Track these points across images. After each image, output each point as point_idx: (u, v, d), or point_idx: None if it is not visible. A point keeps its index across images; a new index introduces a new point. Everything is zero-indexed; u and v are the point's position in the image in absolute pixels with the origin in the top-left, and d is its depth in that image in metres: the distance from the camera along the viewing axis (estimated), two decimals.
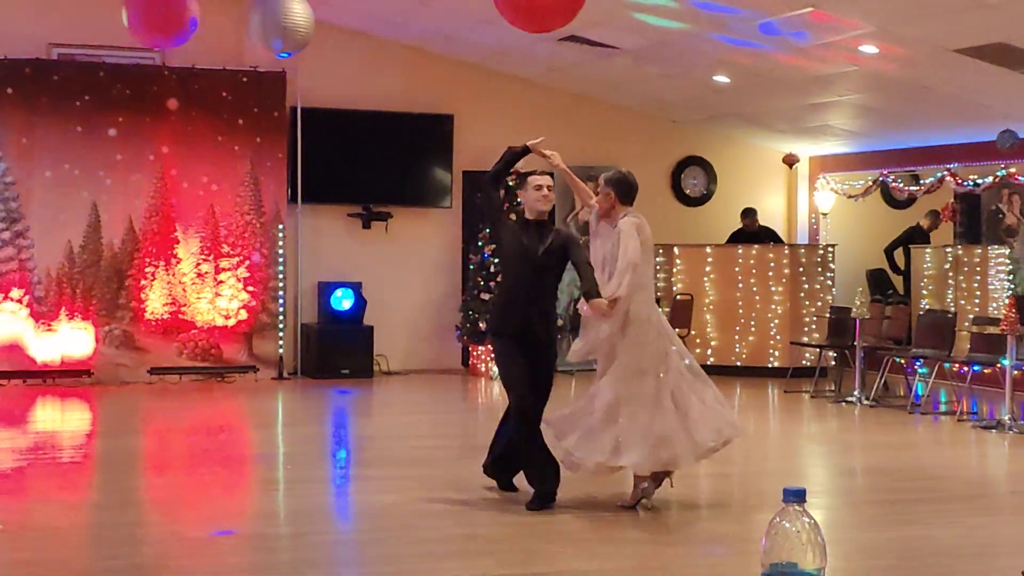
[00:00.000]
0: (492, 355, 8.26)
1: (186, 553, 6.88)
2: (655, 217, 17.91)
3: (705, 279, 16.85)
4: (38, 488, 8.76)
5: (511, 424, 8.23)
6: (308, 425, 12.63)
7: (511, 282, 8.41)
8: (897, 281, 17.20)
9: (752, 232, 17.45)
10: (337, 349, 15.87)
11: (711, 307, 16.81)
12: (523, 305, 8.23)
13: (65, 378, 14.90)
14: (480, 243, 16.39)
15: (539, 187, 8.39)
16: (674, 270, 17.08)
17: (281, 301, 15.80)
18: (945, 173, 15.76)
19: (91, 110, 15.12)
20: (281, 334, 15.81)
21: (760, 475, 9.86)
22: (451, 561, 6.60)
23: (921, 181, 16.71)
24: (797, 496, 2.05)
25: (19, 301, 14.85)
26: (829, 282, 16.76)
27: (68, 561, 6.70)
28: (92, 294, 15.06)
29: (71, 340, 14.97)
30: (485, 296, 16.02)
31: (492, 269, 16.08)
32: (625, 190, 8.39)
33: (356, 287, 16.02)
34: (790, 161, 18.42)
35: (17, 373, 14.77)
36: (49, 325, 14.91)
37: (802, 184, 18.98)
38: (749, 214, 17.61)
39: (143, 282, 15.19)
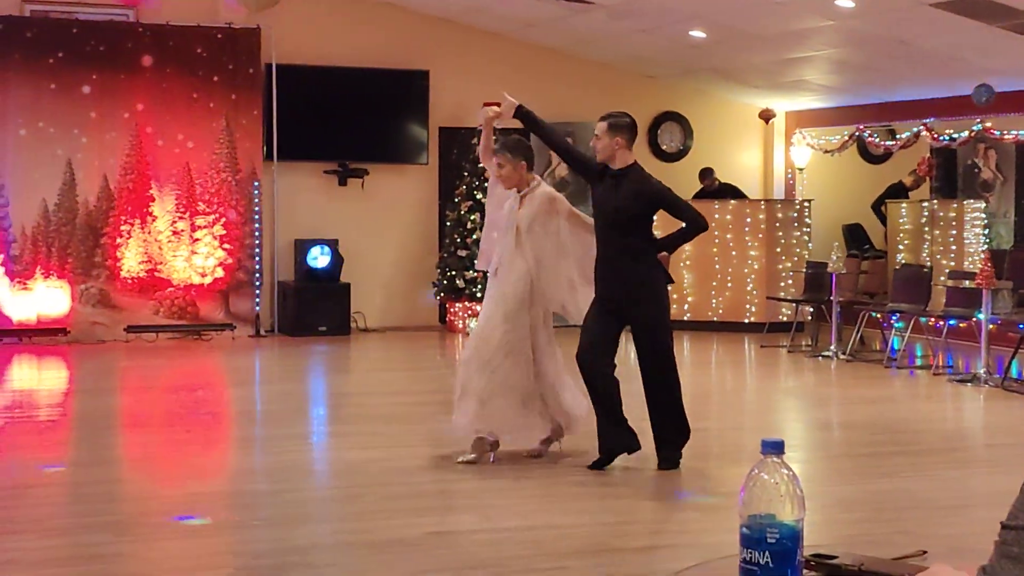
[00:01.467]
0: None
1: (163, 511, 6.88)
2: None
3: None
4: (15, 446, 8.74)
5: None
6: (285, 382, 12.63)
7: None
8: (880, 235, 17.24)
9: (713, 191, 17.44)
10: (314, 306, 15.84)
11: (687, 263, 16.81)
12: (600, 264, 8.07)
13: (41, 336, 14.84)
14: (456, 199, 16.36)
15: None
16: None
17: (257, 259, 15.75)
18: (921, 128, 15.76)
19: (65, 67, 15.00)
20: (258, 292, 15.77)
21: (737, 430, 9.90)
22: (427, 516, 6.62)
23: (897, 136, 16.72)
24: (775, 448, 2.05)
25: None
26: (806, 237, 16.78)
27: (44, 519, 6.70)
28: (68, 252, 14.99)
29: (47, 299, 14.90)
30: (462, 253, 16.01)
31: (468, 226, 16.07)
32: (532, 157, 8.44)
33: (333, 244, 15.98)
34: (766, 116, 18.41)
35: None
36: (25, 284, 14.84)
37: (778, 139, 18.97)
38: (708, 175, 17.59)
39: (119, 240, 15.12)
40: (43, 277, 14.89)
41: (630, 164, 7.97)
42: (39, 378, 12.88)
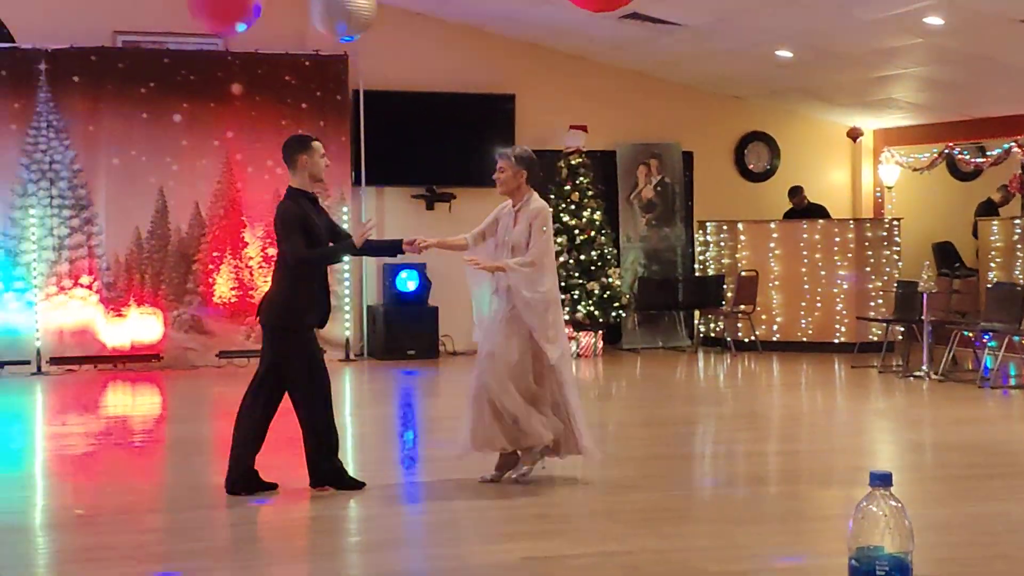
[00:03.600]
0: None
1: (262, 536, 6.96)
2: (719, 193, 18.04)
3: (770, 255, 16.77)
4: (111, 472, 8.87)
5: None
6: (375, 406, 12.71)
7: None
8: (971, 254, 17.03)
9: (802, 210, 17.36)
10: (403, 330, 15.95)
11: (776, 283, 16.72)
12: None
13: (135, 363, 15.08)
14: None
15: (323, 155, 8.14)
16: (738, 246, 17.01)
17: (347, 283, 15.89)
18: (1012, 144, 15.59)
19: (156, 97, 15.26)
20: (347, 316, 15.91)
21: (828, 452, 9.80)
22: (522, 541, 6.63)
23: (987, 153, 16.54)
24: (883, 480, 2.05)
25: (89, 287, 15.03)
26: (895, 256, 16.63)
27: (146, 545, 6.79)
28: (160, 279, 15.22)
29: (140, 325, 15.14)
30: None
31: (555, 248, 16.08)
32: (536, 171, 8.25)
33: (421, 268, 16.07)
34: (854, 135, 18.30)
35: (88, 358, 14.98)
36: (119, 311, 15.09)
37: (866, 158, 18.84)
38: (796, 192, 17.53)
39: (210, 267, 15.33)
40: (136, 304, 15.12)
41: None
42: (133, 404, 13.06)
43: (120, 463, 9.28)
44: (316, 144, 8.06)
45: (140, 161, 15.22)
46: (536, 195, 8.24)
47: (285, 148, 8.08)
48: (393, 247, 8.57)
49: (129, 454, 9.76)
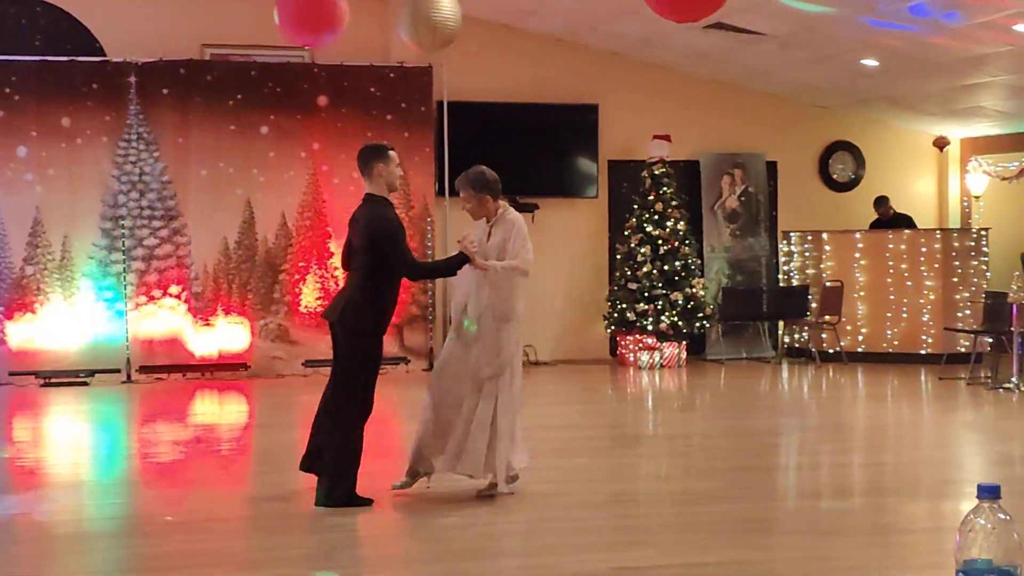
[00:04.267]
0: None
1: (352, 544, 7.02)
2: (803, 203, 17.94)
3: (855, 265, 16.64)
4: (200, 480, 8.98)
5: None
6: None
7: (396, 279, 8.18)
8: None
9: (888, 220, 17.22)
10: None
11: (861, 293, 16.59)
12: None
13: (223, 371, 15.27)
14: (627, 232, 16.41)
15: (398, 164, 8.18)
16: (823, 256, 16.89)
17: (430, 293, 15.97)
18: None
19: (243, 109, 15.45)
20: (431, 326, 15.99)
21: (915, 464, 9.70)
22: (612, 552, 6.63)
23: None
24: (991, 493, 2.05)
25: (177, 297, 15.24)
26: (983, 266, 16.43)
27: (236, 552, 6.87)
28: (248, 289, 15.40)
29: (228, 334, 15.32)
30: (632, 286, 16.04)
31: (639, 259, 16.08)
32: (496, 188, 8.25)
33: None
34: (940, 144, 18.13)
35: (177, 367, 15.19)
36: (207, 320, 15.28)
37: (953, 167, 18.65)
38: (882, 202, 17.39)
39: (296, 276, 15.49)
40: (224, 314, 15.30)
41: None
42: (221, 412, 13.21)
43: (208, 471, 9.39)
44: (392, 153, 8.15)
45: (228, 173, 15.41)
46: (510, 208, 8.30)
47: (361, 156, 8.17)
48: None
49: (217, 462, 9.87)
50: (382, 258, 7.91)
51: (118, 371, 15.09)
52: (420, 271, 8.00)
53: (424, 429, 8.15)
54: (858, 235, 16.85)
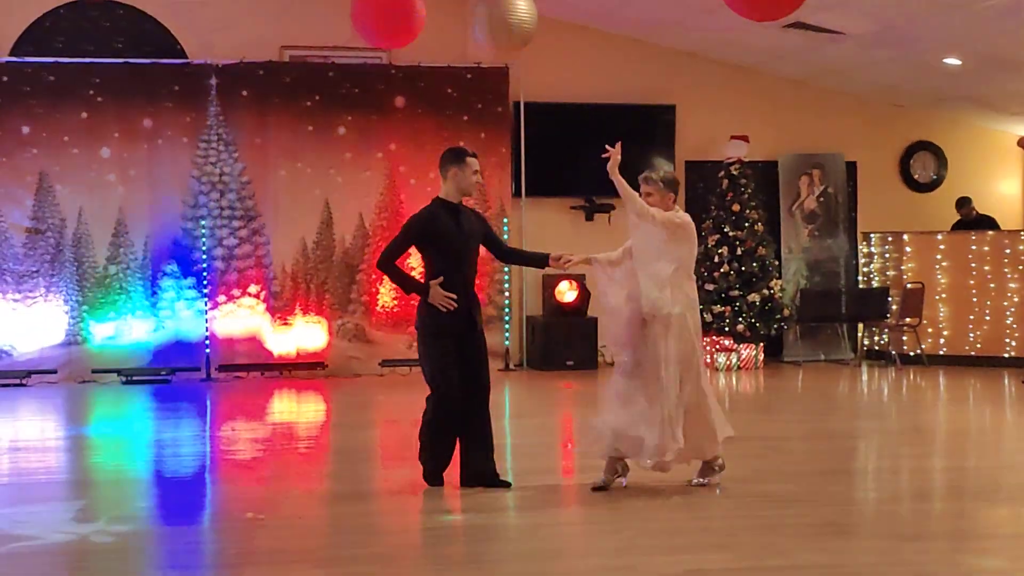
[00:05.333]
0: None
1: (426, 542, 7.04)
2: (882, 204, 17.76)
3: (936, 267, 16.45)
4: (278, 477, 9.04)
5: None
6: (535, 416, 12.74)
7: (461, 274, 8.30)
8: None
9: (970, 221, 17.00)
10: (562, 341, 15.98)
11: (943, 296, 16.40)
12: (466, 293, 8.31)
13: (301, 370, 15.38)
14: (703, 233, 16.32)
15: (476, 171, 8.21)
16: (903, 258, 16.71)
17: (507, 294, 15.99)
18: None
19: (321, 110, 15.56)
20: (507, 326, 16.01)
21: (996, 469, 9.56)
22: (687, 553, 6.60)
23: None
24: None
25: (256, 296, 15.38)
26: None
27: (314, 550, 6.91)
28: (325, 289, 15.51)
29: (306, 333, 15.44)
30: (709, 287, 15.96)
31: (716, 259, 16.00)
32: (676, 188, 8.46)
33: (580, 279, 16.09)
34: None
35: (256, 366, 15.33)
36: (285, 319, 15.40)
37: None
38: (965, 203, 17.17)
39: (373, 276, 15.56)
40: (302, 313, 15.42)
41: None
42: (299, 410, 13.29)
43: (287, 468, 9.46)
44: (471, 159, 8.20)
45: (306, 173, 15.53)
46: (681, 211, 8.42)
47: (441, 158, 8.37)
48: (540, 259, 8.65)
49: (296, 460, 9.94)
50: (428, 258, 8.19)
51: (198, 369, 15.26)
52: (386, 267, 8.19)
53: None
54: (940, 236, 16.65)
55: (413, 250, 8.45)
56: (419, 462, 8.34)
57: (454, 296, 8.07)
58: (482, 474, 8.22)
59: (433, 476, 8.27)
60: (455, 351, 8.19)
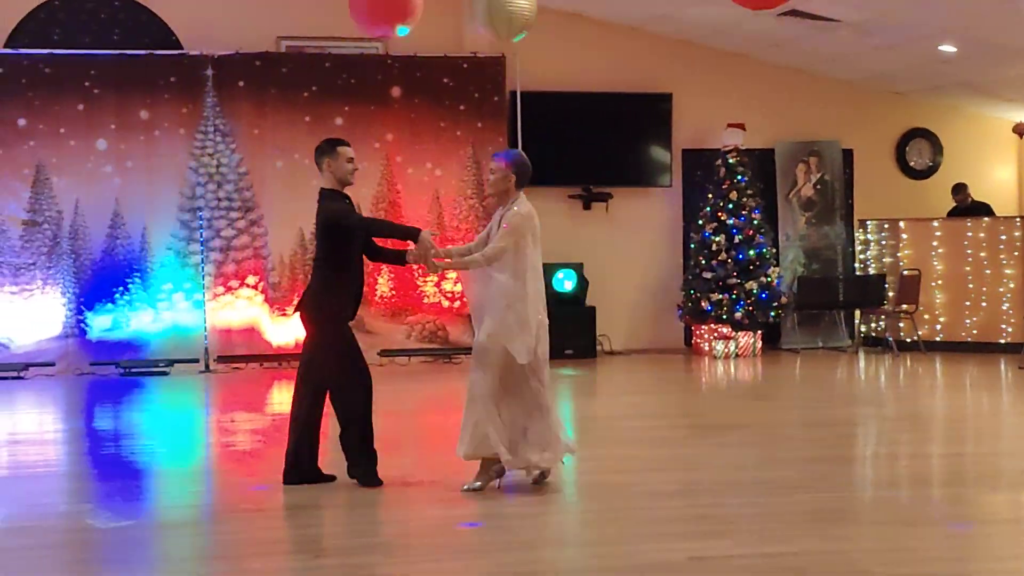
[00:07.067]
0: (329, 345, 8.26)
1: (426, 532, 7.05)
2: (879, 191, 17.78)
3: (932, 254, 16.48)
4: (277, 469, 9.04)
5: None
6: None
7: (358, 262, 8.40)
8: None
9: (966, 208, 17.02)
10: (560, 330, 15.89)
11: (939, 282, 16.43)
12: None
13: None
14: (700, 221, 16.35)
15: (351, 159, 8.24)
16: (900, 245, 16.74)
17: None
18: None
19: (318, 100, 15.57)
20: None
21: (994, 455, 9.59)
22: (687, 541, 6.62)
23: None
24: None
25: (255, 287, 15.39)
26: None
27: (314, 539, 6.94)
28: None
29: None
30: (707, 275, 15.97)
31: (713, 248, 16.01)
32: (524, 173, 8.10)
33: (578, 268, 16.12)
34: (1020, 130, 17.89)
35: (254, 357, 15.34)
36: (283, 310, 15.40)
37: None
38: (960, 190, 17.20)
39: (371, 267, 15.55)
40: None
41: None
42: None
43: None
44: (342, 148, 8.30)
45: (303, 164, 15.50)
46: (523, 199, 8.10)
47: (315, 151, 8.42)
48: (399, 257, 8.52)
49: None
50: (333, 246, 8.26)
51: (196, 361, 15.28)
52: (375, 225, 8.28)
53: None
54: (936, 223, 16.68)
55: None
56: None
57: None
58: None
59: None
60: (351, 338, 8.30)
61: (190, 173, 15.36)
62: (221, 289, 15.38)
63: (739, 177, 16.40)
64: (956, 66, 15.85)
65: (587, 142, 16.55)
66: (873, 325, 17.14)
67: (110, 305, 15.27)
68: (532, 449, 7.90)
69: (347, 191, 8.41)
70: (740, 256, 16.10)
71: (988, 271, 16.15)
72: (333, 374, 8.30)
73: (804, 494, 7.79)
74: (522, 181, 8.12)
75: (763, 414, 11.68)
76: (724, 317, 16.02)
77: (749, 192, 16.41)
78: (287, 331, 15.42)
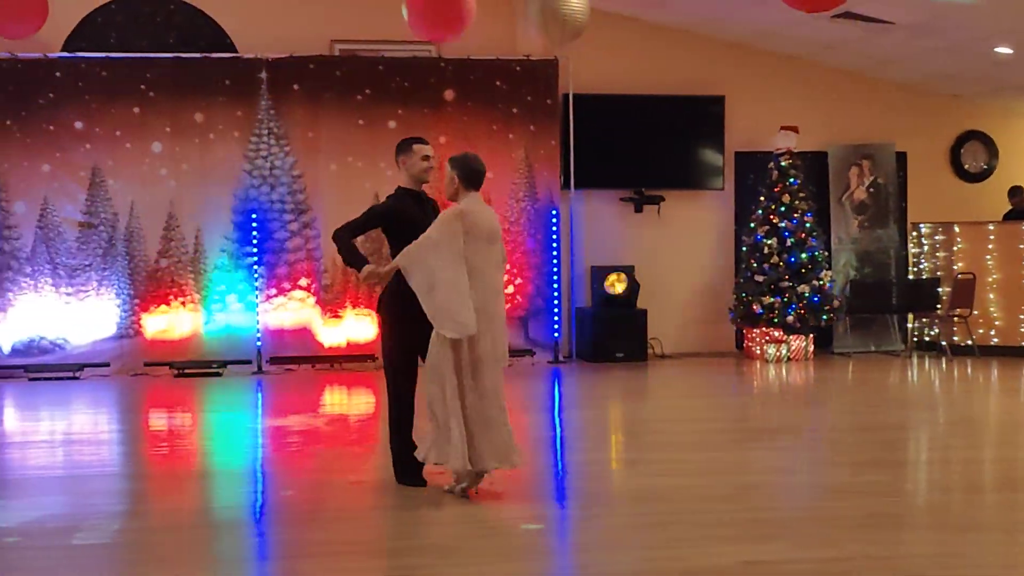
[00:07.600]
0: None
1: (479, 534, 7.08)
2: (933, 194, 17.65)
3: (988, 257, 16.35)
4: (329, 470, 9.10)
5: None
6: (585, 408, 12.76)
7: None
8: None
9: (1022, 211, 16.89)
10: (611, 333, 15.99)
11: (994, 286, 16.30)
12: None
13: (351, 362, 15.46)
14: (752, 224, 16.30)
15: (426, 157, 8.27)
16: (955, 248, 16.62)
17: (556, 286, 16.01)
18: None
19: (371, 103, 15.63)
20: (556, 318, 16.03)
21: None
22: (740, 545, 6.62)
23: None
24: None
25: (307, 289, 15.47)
26: None
27: (368, 541, 6.98)
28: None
29: (356, 326, 15.52)
30: (759, 278, 15.92)
31: (765, 251, 15.96)
32: (468, 175, 8.07)
33: (629, 271, 16.10)
34: None
35: (306, 358, 15.43)
36: (335, 312, 15.48)
37: None
38: (1016, 192, 17.08)
39: None
40: (352, 306, 15.50)
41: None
42: (349, 403, 13.36)
43: (339, 461, 9.51)
44: (417, 146, 8.33)
45: (356, 167, 15.60)
46: (472, 199, 8.10)
47: (395, 148, 8.52)
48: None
49: (347, 452, 9.99)
50: (392, 245, 8.33)
51: (249, 362, 15.38)
52: (340, 239, 8.25)
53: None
54: (991, 226, 16.55)
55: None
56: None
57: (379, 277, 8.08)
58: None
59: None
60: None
61: (244, 176, 15.47)
62: (274, 291, 15.48)
63: (792, 180, 16.33)
64: (1012, 68, 15.72)
65: (639, 145, 16.53)
66: (927, 329, 17.02)
67: (164, 306, 15.40)
68: (433, 449, 7.98)
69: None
70: (792, 259, 16.03)
71: None
72: (387, 371, 8.38)
73: (856, 499, 7.76)
74: (469, 182, 8.16)
75: (815, 418, 11.64)
76: (776, 320, 15.96)
77: (801, 195, 16.34)
78: (339, 333, 15.50)
